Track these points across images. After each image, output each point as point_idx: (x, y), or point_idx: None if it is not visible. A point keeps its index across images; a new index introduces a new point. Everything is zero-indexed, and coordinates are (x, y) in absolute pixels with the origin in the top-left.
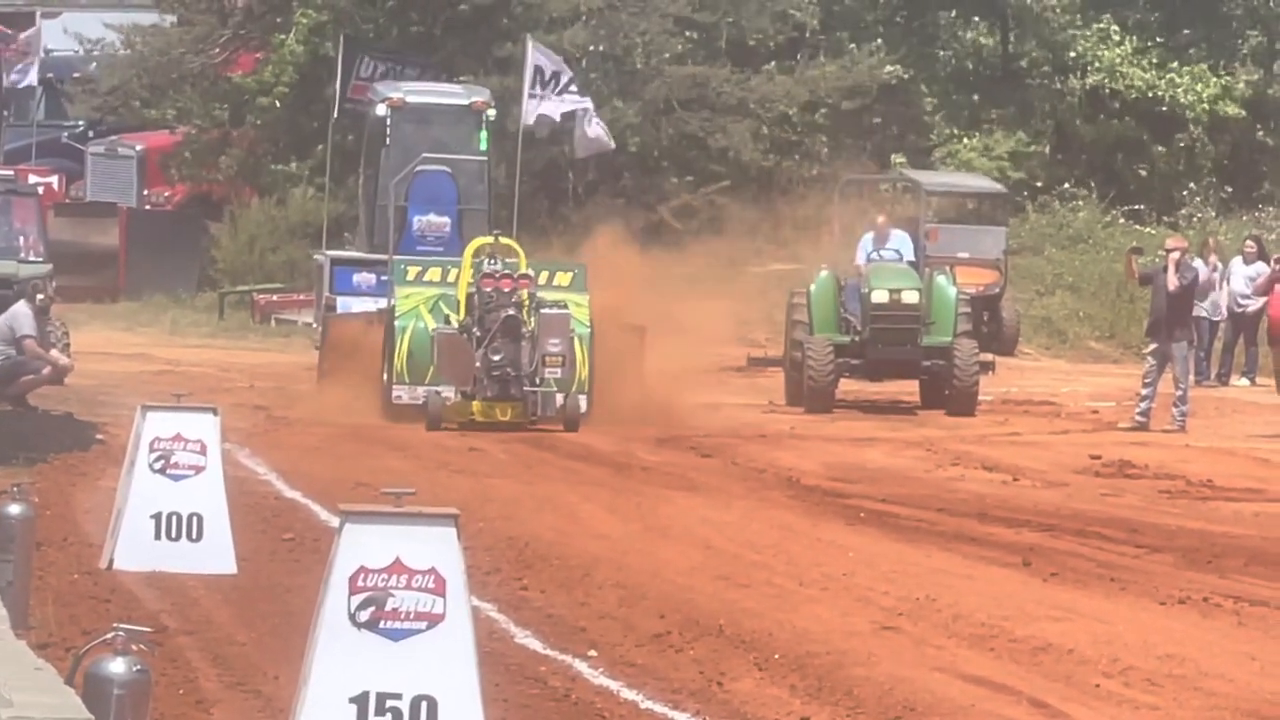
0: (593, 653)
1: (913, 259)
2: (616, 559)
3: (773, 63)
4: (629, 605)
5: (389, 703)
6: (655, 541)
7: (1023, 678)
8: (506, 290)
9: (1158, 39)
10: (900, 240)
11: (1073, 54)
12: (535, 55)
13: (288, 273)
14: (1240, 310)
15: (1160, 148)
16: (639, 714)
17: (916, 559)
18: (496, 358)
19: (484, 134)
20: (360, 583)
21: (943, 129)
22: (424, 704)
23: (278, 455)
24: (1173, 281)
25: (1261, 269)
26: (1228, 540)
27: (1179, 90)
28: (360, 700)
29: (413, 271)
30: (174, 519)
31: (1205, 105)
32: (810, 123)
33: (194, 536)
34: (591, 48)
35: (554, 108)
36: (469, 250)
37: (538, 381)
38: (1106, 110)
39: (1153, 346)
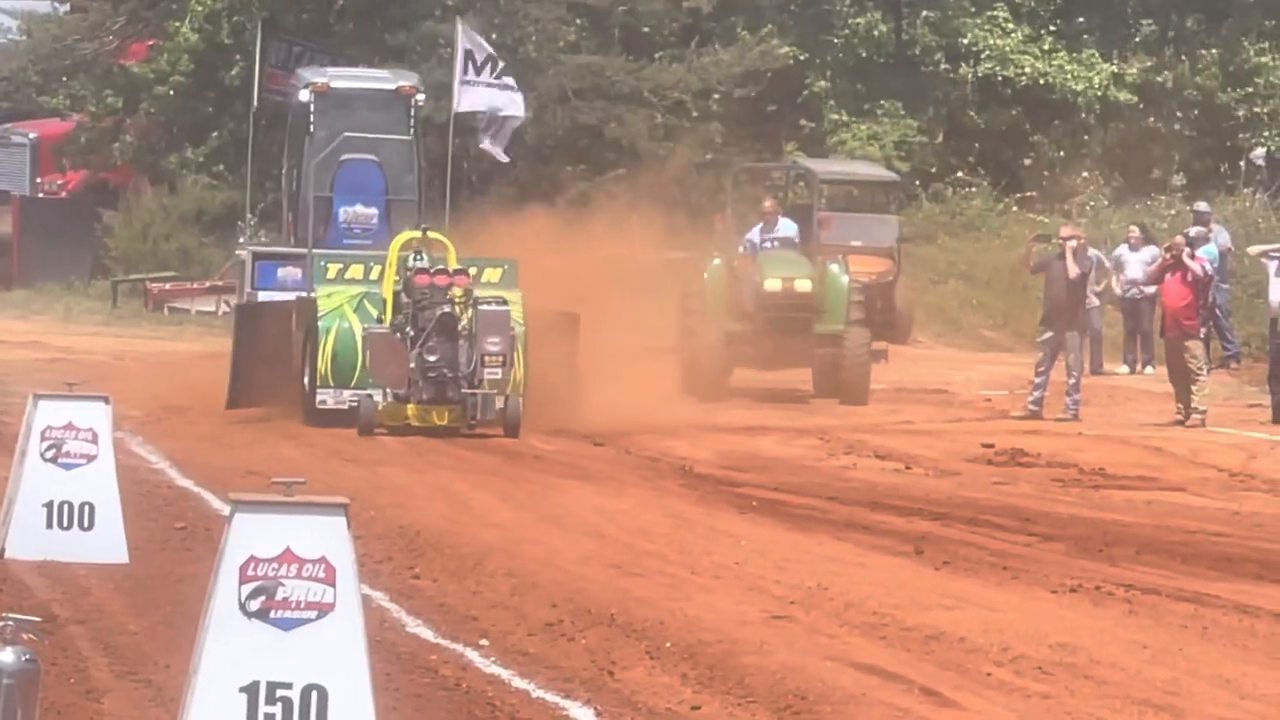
0: (484, 642)
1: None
2: (509, 548)
3: (667, 50)
4: (521, 594)
5: (279, 692)
6: (547, 530)
7: (914, 666)
8: (441, 286)
9: (1050, 27)
10: (788, 228)
11: (965, 41)
12: (465, 39)
13: (181, 261)
14: (1141, 296)
15: (1052, 135)
16: (530, 703)
17: (809, 547)
18: (432, 358)
19: (412, 120)
20: (250, 572)
21: (834, 116)
22: (314, 693)
23: (170, 444)
24: (1074, 269)
25: (1155, 253)
26: (1120, 529)
27: (1070, 78)
28: (250, 690)
29: (333, 269)
30: (66, 508)
31: (1097, 92)
32: (704, 110)
33: (86, 525)
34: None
35: (485, 98)
36: (394, 246)
37: (476, 383)
38: (998, 98)
39: (1047, 335)
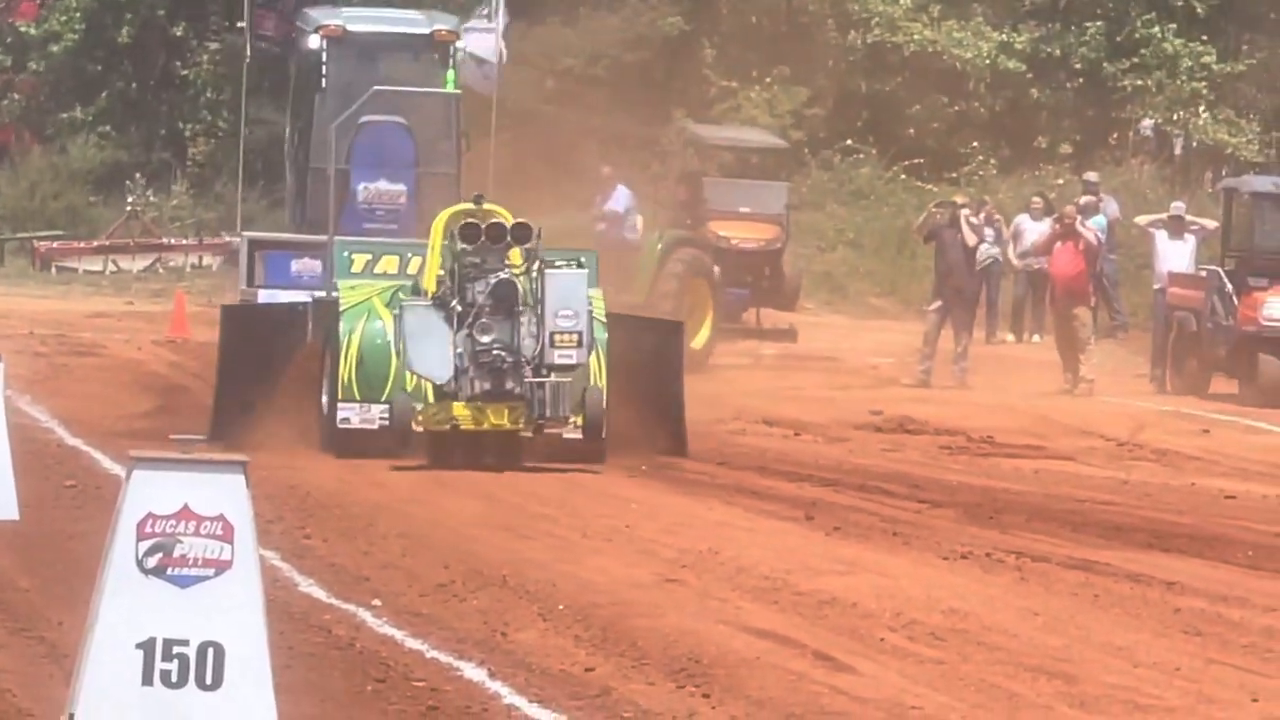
0: (376, 602)
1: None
2: (399, 508)
3: (556, 15)
4: (412, 555)
5: (176, 649)
6: (437, 491)
7: (808, 631)
8: (496, 245)
9: None
10: (622, 197)
11: (854, 8)
12: None
13: (69, 220)
14: (1039, 267)
15: (940, 103)
16: (424, 663)
17: (699, 512)
18: (486, 338)
19: (451, 74)
20: (148, 529)
21: (724, 83)
22: (211, 650)
23: (59, 403)
24: (970, 237)
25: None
26: (1009, 496)
27: (959, 46)
28: (147, 646)
29: (360, 261)
30: None
31: (985, 61)
32: (592, 75)
33: None
34: None
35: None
36: (438, 223)
37: (544, 371)
38: (887, 66)
39: (937, 304)
